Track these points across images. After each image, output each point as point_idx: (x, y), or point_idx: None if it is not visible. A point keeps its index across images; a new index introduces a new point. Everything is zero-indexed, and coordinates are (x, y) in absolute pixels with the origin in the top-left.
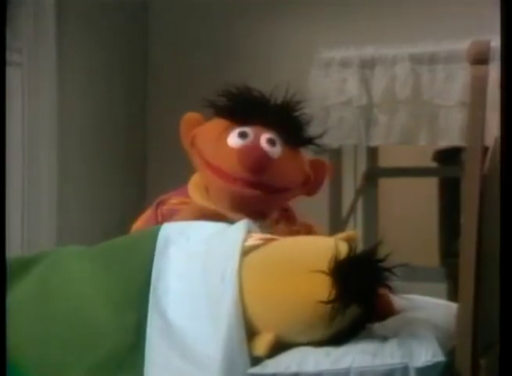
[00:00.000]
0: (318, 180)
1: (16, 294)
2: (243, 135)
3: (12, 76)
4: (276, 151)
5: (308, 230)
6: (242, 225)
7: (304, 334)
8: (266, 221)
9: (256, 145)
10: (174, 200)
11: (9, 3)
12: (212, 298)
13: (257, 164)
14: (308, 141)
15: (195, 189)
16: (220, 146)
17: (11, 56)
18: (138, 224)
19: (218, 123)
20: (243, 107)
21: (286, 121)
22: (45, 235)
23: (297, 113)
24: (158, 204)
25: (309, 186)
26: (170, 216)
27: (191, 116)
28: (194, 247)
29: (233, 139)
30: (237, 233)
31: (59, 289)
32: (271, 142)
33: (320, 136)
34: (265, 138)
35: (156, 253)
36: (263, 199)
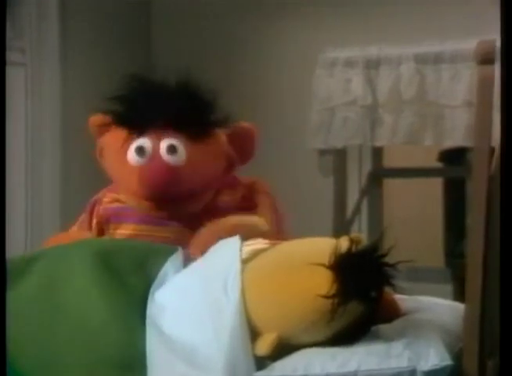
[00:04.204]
0: (245, 151)
1: (19, 295)
2: (140, 152)
3: (15, 76)
4: (179, 157)
5: (252, 188)
6: (236, 237)
7: (307, 332)
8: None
9: (155, 162)
10: (106, 199)
11: (12, 3)
12: (214, 306)
13: (159, 185)
14: (214, 123)
15: None
16: (121, 166)
17: (14, 56)
18: (74, 228)
19: (117, 135)
20: (136, 114)
21: (183, 114)
22: (47, 235)
23: (193, 99)
24: (93, 205)
25: (236, 162)
26: (106, 216)
27: (94, 121)
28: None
29: (132, 157)
30: (234, 242)
31: (61, 290)
32: (171, 149)
33: (227, 117)
34: (164, 147)
35: (159, 275)
36: (178, 207)
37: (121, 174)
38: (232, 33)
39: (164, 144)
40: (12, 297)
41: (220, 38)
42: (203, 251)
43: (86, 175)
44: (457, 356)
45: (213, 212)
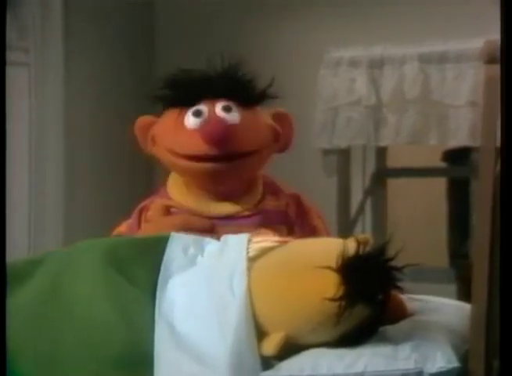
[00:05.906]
0: (286, 134)
1: (23, 297)
2: (197, 114)
3: (19, 76)
4: (235, 116)
5: (297, 200)
6: (243, 235)
7: (313, 333)
8: (245, 203)
9: (213, 118)
10: (155, 205)
11: (15, 3)
12: (220, 304)
13: (221, 137)
14: (262, 96)
15: (173, 186)
16: (180, 132)
17: (17, 56)
18: (121, 230)
19: (171, 113)
20: (187, 89)
21: (232, 84)
22: (51, 239)
23: (240, 74)
24: (141, 210)
25: (280, 142)
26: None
27: (143, 120)
28: (199, 259)
29: (190, 121)
30: (242, 239)
31: (66, 291)
32: (226, 109)
33: (269, 86)
34: (219, 107)
35: (163, 264)
36: (236, 167)
37: (180, 141)
38: (236, 33)
39: (219, 105)
40: (16, 299)
41: (223, 39)
42: None
43: (90, 176)
44: (464, 358)
45: (263, 215)
